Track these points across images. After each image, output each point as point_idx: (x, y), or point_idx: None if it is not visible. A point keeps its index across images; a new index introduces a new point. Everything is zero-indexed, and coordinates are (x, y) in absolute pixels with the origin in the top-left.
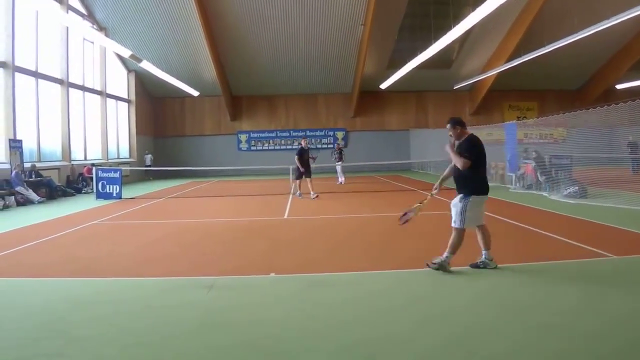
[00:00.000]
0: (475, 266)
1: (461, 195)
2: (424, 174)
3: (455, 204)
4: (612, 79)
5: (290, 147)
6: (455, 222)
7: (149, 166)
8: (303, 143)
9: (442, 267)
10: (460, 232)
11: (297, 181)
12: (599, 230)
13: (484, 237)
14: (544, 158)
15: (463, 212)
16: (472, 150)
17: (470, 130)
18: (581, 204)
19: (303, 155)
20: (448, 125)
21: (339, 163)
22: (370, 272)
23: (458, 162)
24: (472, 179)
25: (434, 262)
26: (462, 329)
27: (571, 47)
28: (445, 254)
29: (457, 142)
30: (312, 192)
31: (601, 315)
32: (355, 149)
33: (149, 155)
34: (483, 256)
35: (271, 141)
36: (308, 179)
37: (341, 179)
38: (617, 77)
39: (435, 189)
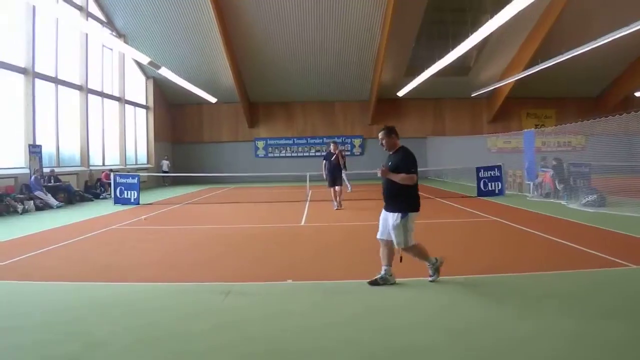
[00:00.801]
0: (374, 283)
1: (399, 214)
2: (440, 182)
3: (396, 226)
4: (631, 86)
5: (307, 154)
6: (400, 244)
7: (166, 172)
8: (332, 148)
9: (437, 271)
10: (415, 246)
11: (332, 190)
12: (618, 240)
13: (390, 253)
14: (563, 166)
15: (407, 231)
16: (415, 163)
17: (489, 137)
18: (600, 213)
19: (331, 161)
20: (381, 133)
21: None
22: None
23: (406, 180)
24: (410, 195)
25: (431, 276)
26: (504, 339)
27: (590, 54)
28: (427, 264)
29: (389, 154)
30: (334, 202)
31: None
32: (373, 157)
33: (166, 161)
34: (383, 271)
35: (288, 148)
36: (333, 188)
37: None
38: (636, 84)
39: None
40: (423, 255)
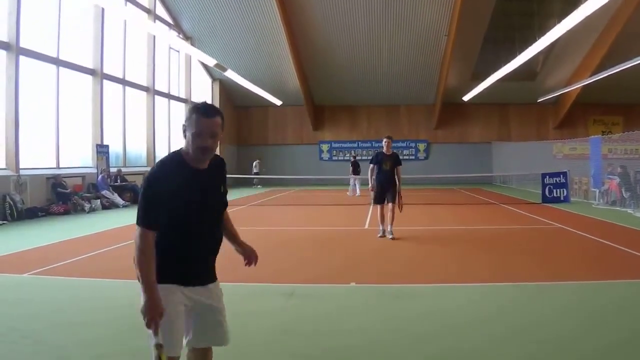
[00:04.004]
0: None
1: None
2: (505, 188)
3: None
4: None
5: (371, 157)
6: (229, 340)
7: (257, 173)
8: (385, 146)
9: None
10: None
11: (379, 208)
12: None
13: None
14: (630, 174)
15: None
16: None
17: (555, 143)
18: None
19: (381, 165)
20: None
21: (353, 176)
22: (453, 285)
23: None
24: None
25: None
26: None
27: None
28: None
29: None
30: (381, 226)
31: None
32: (437, 161)
33: (257, 161)
34: None
35: (353, 151)
36: (381, 205)
37: (353, 191)
38: None
39: None
40: None
